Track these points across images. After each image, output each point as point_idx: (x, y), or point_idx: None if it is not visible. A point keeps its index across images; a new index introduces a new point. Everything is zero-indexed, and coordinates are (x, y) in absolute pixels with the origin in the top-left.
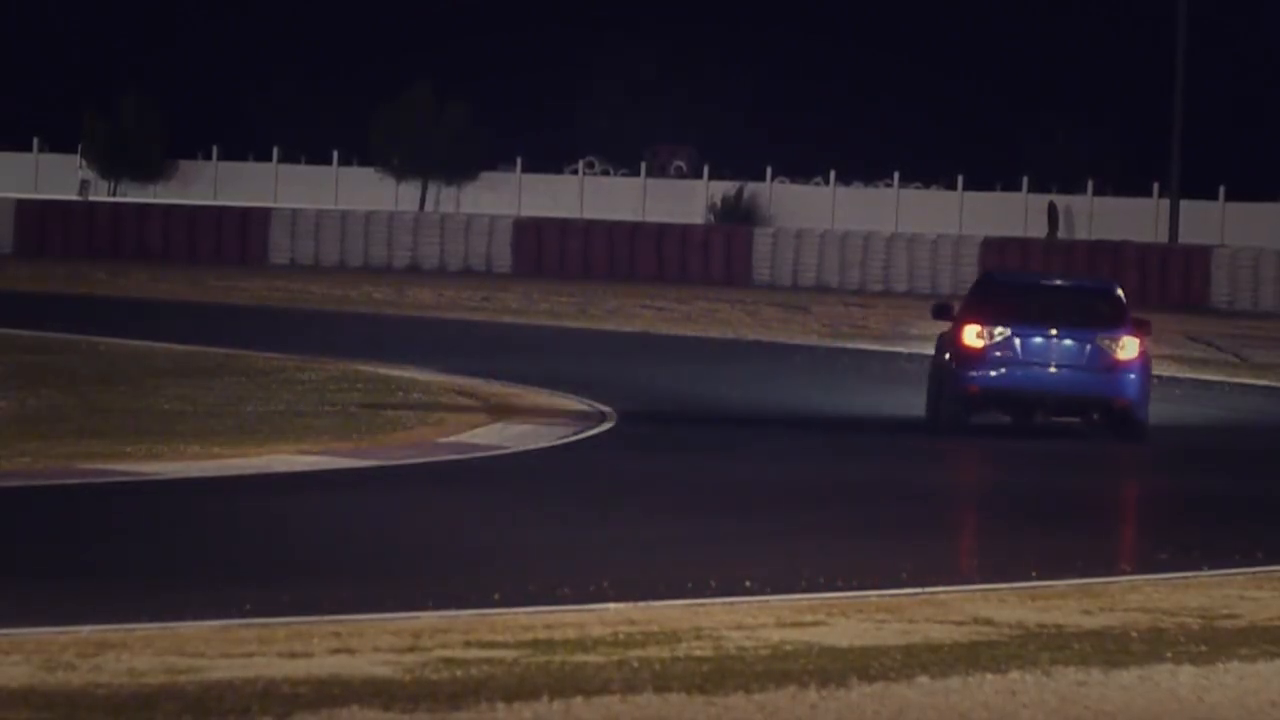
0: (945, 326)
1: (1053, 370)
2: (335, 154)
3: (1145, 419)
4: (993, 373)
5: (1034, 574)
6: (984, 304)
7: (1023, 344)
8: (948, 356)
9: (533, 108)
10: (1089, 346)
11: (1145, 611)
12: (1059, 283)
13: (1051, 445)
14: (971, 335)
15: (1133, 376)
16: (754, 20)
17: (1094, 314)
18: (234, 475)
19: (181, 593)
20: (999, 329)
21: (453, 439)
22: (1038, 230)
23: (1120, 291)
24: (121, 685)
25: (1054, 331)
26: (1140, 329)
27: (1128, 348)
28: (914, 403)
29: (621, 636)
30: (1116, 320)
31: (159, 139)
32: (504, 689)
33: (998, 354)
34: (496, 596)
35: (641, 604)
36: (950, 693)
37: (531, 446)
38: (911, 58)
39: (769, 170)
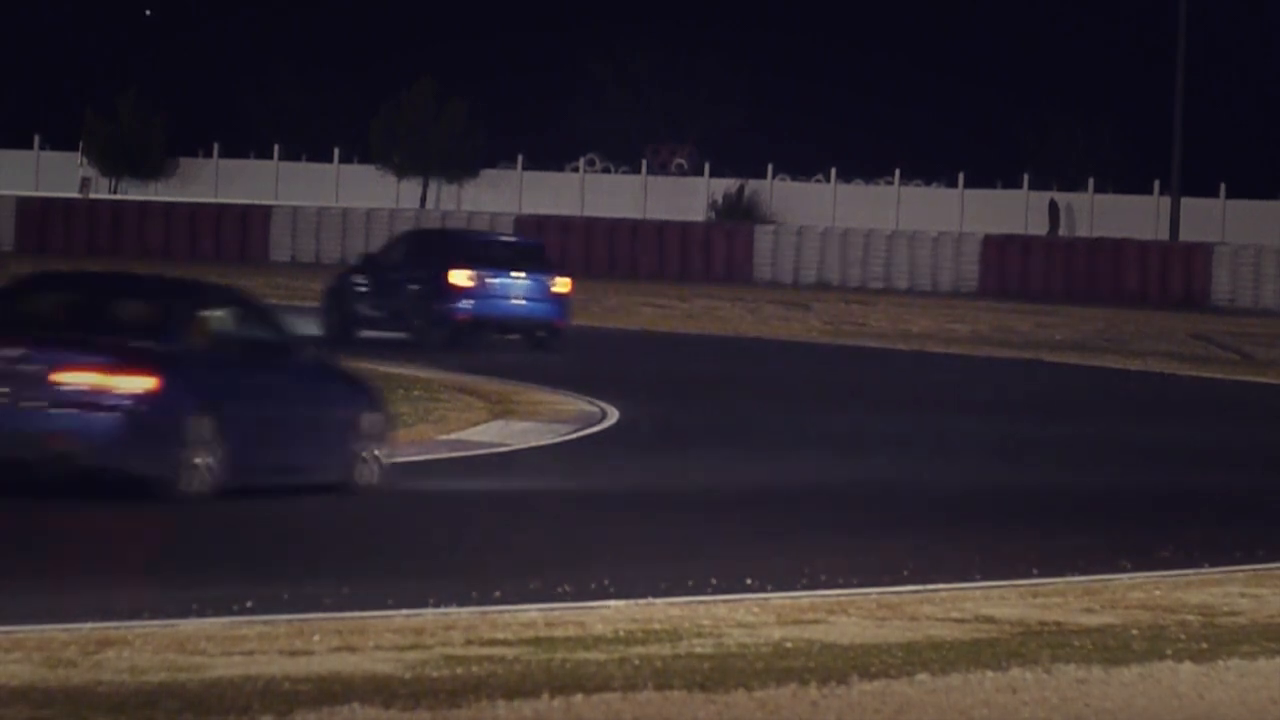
0: (341, 269)
1: (516, 302)
2: (336, 152)
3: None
4: (473, 303)
5: (1035, 571)
6: (456, 254)
7: (497, 283)
8: (420, 291)
9: (533, 106)
10: (539, 284)
11: (1146, 609)
12: (503, 238)
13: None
14: (462, 277)
15: (566, 305)
16: (754, 19)
17: (535, 261)
18: None
19: (182, 590)
20: (476, 272)
21: (453, 436)
22: (1039, 228)
23: (544, 245)
24: (123, 683)
25: (515, 274)
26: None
27: (562, 285)
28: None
29: (622, 634)
30: (549, 265)
31: (160, 137)
32: (505, 687)
33: (478, 290)
34: (498, 594)
35: (642, 602)
36: (951, 690)
37: (533, 444)
38: (912, 56)
39: (770, 168)
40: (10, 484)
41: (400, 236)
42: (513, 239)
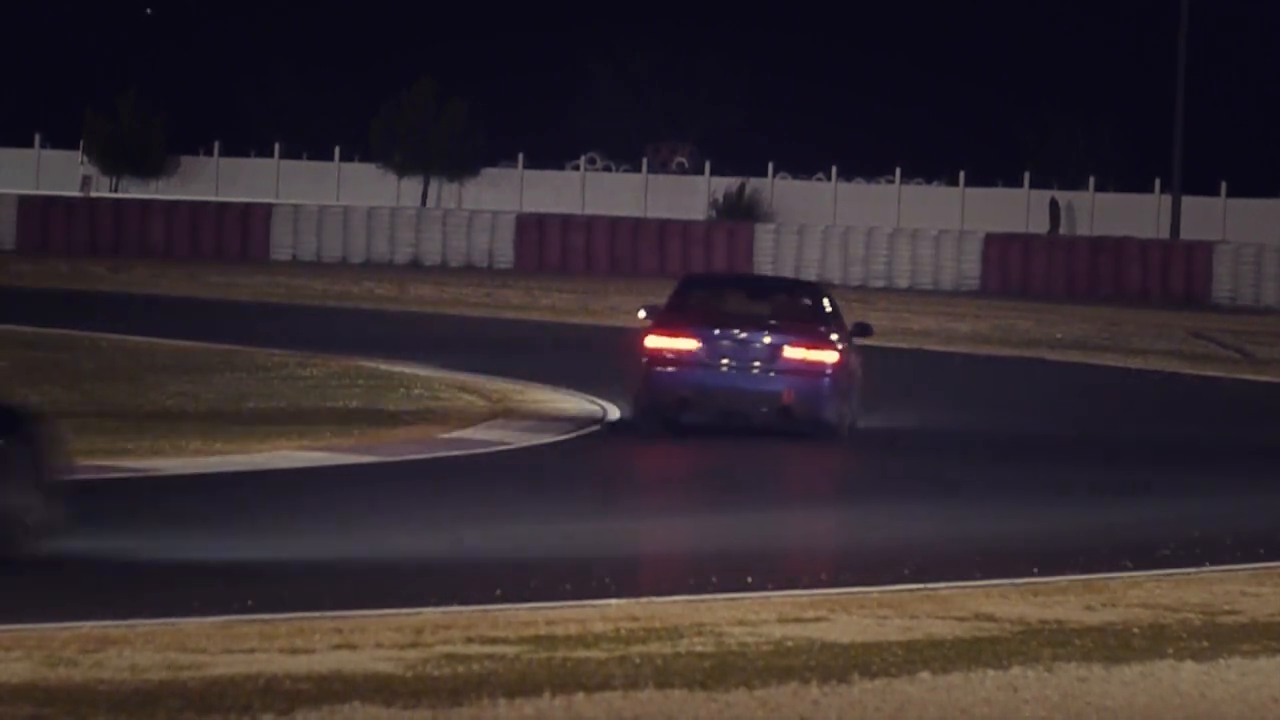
0: None
1: None
2: (337, 150)
3: None
4: None
5: (1035, 570)
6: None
7: None
8: None
9: (534, 104)
10: None
11: (1147, 607)
12: None
13: None
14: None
15: None
16: (754, 19)
17: None
18: (235, 471)
19: (183, 589)
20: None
21: (454, 435)
22: (1039, 226)
23: None
24: (123, 681)
25: None
26: None
27: None
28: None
29: (623, 632)
30: None
31: (160, 136)
32: (506, 685)
33: None
34: (498, 592)
35: (643, 600)
36: (952, 688)
37: (533, 442)
38: (913, 54)
39: (770, 166)
40: (721, 428)
41: None
42: None
